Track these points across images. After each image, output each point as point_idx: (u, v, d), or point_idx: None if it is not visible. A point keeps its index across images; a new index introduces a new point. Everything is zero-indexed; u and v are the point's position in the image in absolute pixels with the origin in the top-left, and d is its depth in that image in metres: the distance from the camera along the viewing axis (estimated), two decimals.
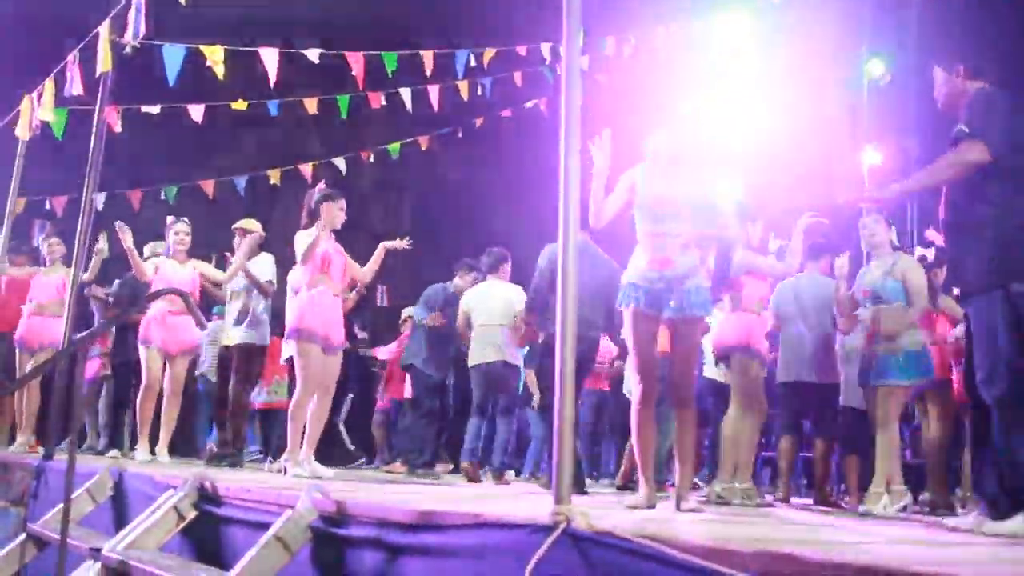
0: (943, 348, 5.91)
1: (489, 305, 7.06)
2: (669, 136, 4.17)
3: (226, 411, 6.99)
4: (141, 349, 6.71)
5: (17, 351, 7.46)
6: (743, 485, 5.15)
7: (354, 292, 7.46)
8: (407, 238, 6.41)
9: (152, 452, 6.60)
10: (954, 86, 3.78)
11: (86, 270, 7.54)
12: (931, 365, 5.19)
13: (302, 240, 5.60)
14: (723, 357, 5.50)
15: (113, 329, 8.05)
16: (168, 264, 6.77)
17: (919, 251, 6.27)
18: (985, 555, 2.41)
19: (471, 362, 7.06)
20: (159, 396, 6.72)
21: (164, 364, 6.70)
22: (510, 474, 7.35)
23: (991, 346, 3.35)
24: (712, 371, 6.41)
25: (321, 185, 5.88)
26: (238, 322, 6.89)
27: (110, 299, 8.18)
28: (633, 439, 4.03)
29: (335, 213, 5.65)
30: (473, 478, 6.62)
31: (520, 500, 4.17)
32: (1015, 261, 3.38)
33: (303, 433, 5.47)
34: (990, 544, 2.88)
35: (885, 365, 5.03)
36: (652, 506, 3.84)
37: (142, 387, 6.71)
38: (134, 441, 7.21)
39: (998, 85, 3.67)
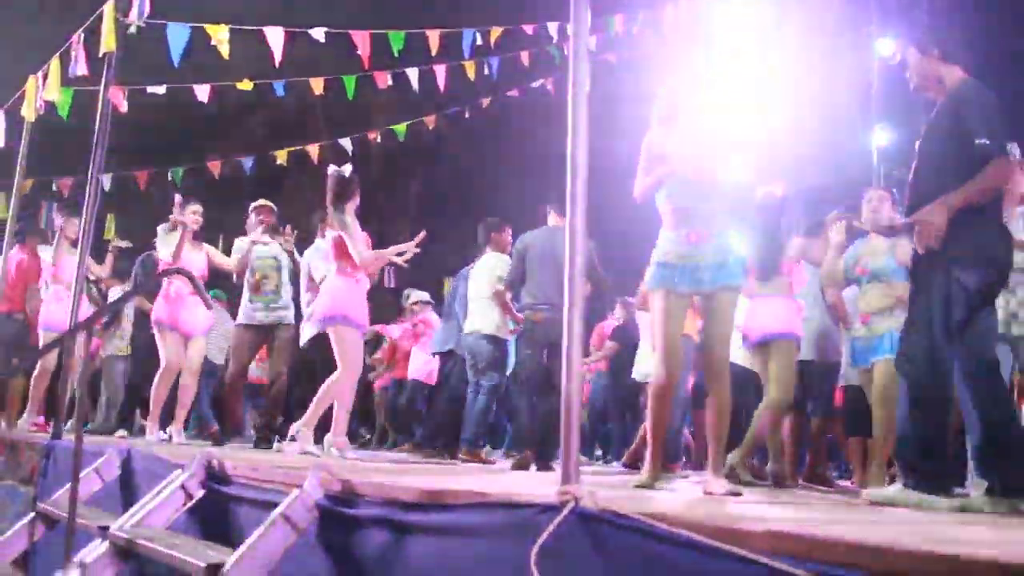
0: None
1: (478, 277, 7.00)
2: (686, 92, 4.02)
3: (235, 393, 7.02)
4: (157, 330, 6.67)
5: (43, 334, 7.41)
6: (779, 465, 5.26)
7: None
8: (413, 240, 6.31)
9: (164, 431, 6.61)
10: (927, 68, 3.82)
11: (98, 260, 7.57)
12: None
13: (351, 228, 5.59)
14: (762, 343, 5.38)
15: (132, 311, 8.06)
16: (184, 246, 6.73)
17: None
18: (988, 534, 2.39)
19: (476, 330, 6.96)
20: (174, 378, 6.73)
21: (183, 345, 6.70)
22: (487, 450, 7.38)
23: (921, 327, 3.52)
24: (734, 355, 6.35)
25: (348, 167, 5.81)
26: (272, 302, 6.86)
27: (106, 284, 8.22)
28: (649, 420, 3.95)
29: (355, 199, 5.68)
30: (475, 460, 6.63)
31: (527, 480, 4.17)
32: (961, 245, 3.47)
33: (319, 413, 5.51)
34: (987, 524, 2.87)
35: (880, 342, 4.98)
36: (654, 487, 3.77)
37: (162, 368, 6.65)
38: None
39: (971, 72, 3.75)
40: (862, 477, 5.78)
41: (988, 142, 3.45)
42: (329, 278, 5.68)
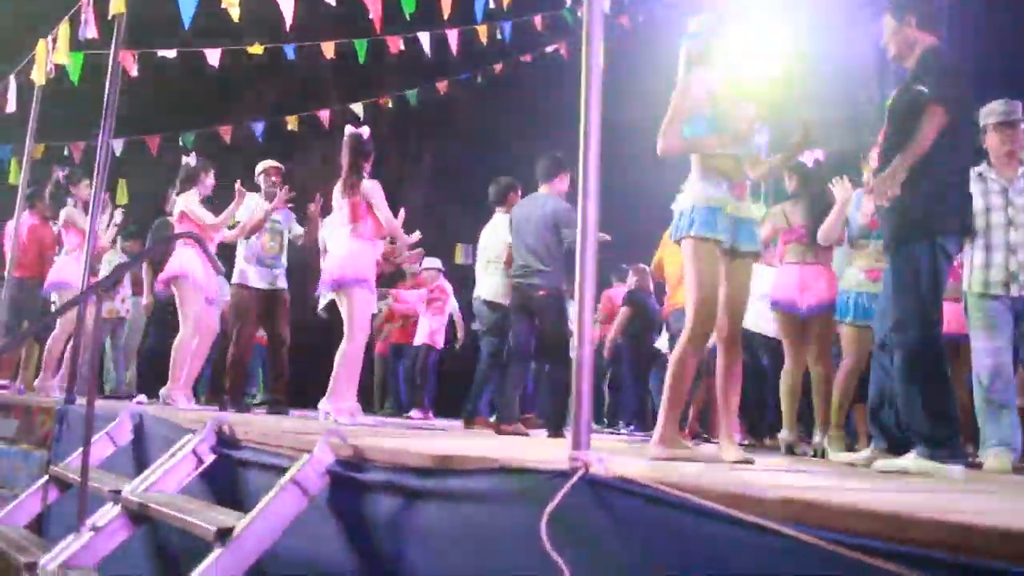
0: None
1: (485, 240, 6.87)
2: (721, 30, 3.77)
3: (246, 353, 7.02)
4: (188, 291, 6.41)
5: (58, 295, 7.39)
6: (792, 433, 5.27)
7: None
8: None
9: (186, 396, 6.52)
10: (904, 36, 3.79)
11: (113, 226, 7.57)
12: None
13: (379, 191, 5.58)
14: (814, 312, 5.34)
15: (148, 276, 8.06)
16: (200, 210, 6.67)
17: None
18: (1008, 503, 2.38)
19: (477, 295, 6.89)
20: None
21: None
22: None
23: (911, 295, 3.54)
24: (762, 325, 6.32)
25: (364, 130, 5.79)
26: (275, 267, 6.86)
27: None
28: (669, 384, 3.56)
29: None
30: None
31: (538, 446, 4.16)
32: (943, 215, 3.57)
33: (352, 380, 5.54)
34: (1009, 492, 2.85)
35: (871, 306, 4.90)
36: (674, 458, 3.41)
37: (191, 328, 6.41)
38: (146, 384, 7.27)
39: (945, 42, 3.79)
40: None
41: (924, 89, 3.52)
42: (342, 241, 5.63)
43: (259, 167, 7.14)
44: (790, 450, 5.29)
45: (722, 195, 3.58)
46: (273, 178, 7.01)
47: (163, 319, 7.90)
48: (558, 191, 6.17)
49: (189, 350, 6.38)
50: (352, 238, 5.56)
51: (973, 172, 4.60)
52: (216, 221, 6.51)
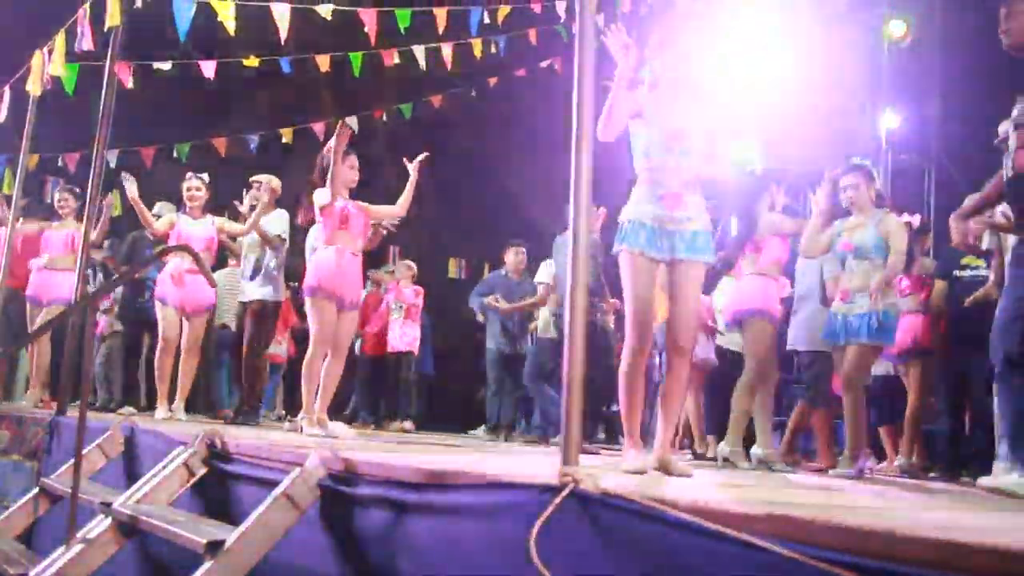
0: (927, 317, 5.90)
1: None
2: (673, 58, 3.80)
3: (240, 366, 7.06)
4: (158, 306, 6.72)
5: (28, 306, 7.49)
6: (767, 450, 5.15)
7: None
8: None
9: (170, 409, 6.63)
10: None
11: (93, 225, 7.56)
12: (893, 333, 5.03)
13: (319, 197, 5.57)
14: (737, 322, 5.39)
15: (120, 286, 8.08)
16: (183, 220, 6.76)
17: (905, 217, 6.18)
18: (997, 520, 2.39)
19: (544, 333, 7.44)
20: (176, 354, 6.75)
21: (181, 322, 6.71)
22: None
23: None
24: (722, 339, 6.40)
25: (331, 143, 5.83)
26: (251, 277, 6.92)
27: (107, 262, 8.23)
28: (621, 398, 3.64)
29: (346, 171, 5.60)
30: None
31: (528, 461, 4.17)
32: None
33: (316, 392, 5.47)
34: (997, 508, 2.86)
35: (860, 322, 4.88)
36: (643, 471, 3.38)
37: (159, 345, 6.71)
38: (151, 399, 7.27)
39: None
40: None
41: None
42: (319, 250, 5.66)
43: (252, 180, 7.21)
44: (766, 466, 5.29)
45: (652, 207, 3.64)
46: (255, 189, 7.10)
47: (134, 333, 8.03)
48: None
49: (163, 361, 6.68)
50: (323, 249, 5.57)
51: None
52: (244, 229, 6.91)
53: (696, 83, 3.83)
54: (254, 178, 7.13)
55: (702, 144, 3.72)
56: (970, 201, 4.59)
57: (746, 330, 5.32)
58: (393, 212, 5.90)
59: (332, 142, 5.51)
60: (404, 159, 5.84)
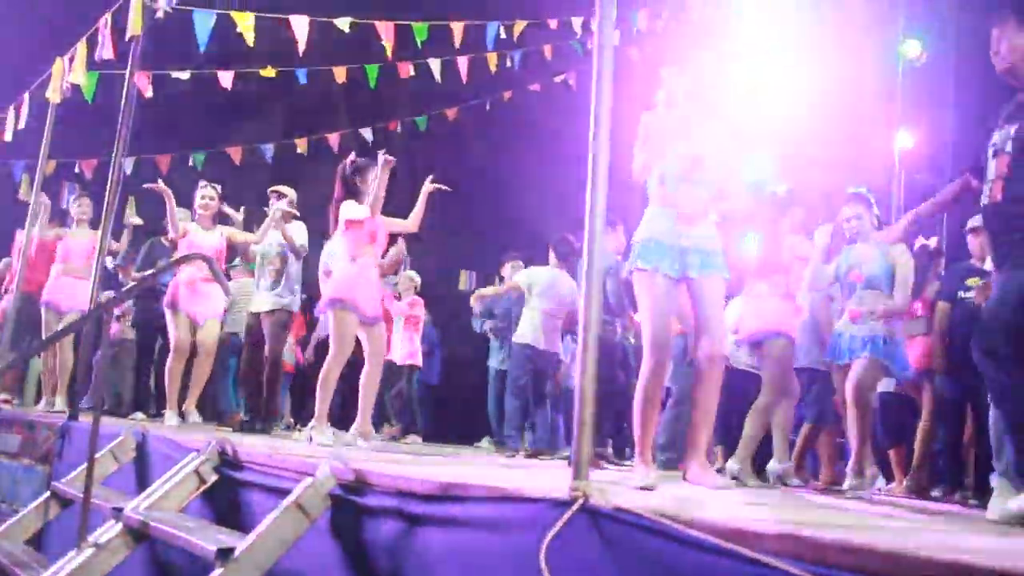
0: (930, 339, 5.87)
1: (556, 293, 7.17)
2: (689, 78, 3.87)
3: (253, 376, 7.04)
4: (168, 314, 6.73)
5: (44, 312, 7.52)
6: (783, 465, 5.15)
7: (395, 250, 7.07)
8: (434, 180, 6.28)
9: (180, 415, 6.65)
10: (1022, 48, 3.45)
11: (115, 239, 7.61)
12: (902, 358, 4.99)
13: (352, 210, 5.58)
14: (756, 343, 5.36)
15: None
16: (193, 228, 6.80)
17: (921, 240, 6.15)
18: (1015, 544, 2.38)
19: (518, 339, 7.22)
20: (186, 360, 6.77)
21: (193, 328, 6.73)
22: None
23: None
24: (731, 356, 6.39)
25: (352, 156, 5.86)
26: (271, 287, 6.91)
27: (119, 271, 8.27)
28: (636, 415, 3.67)
29: (371, 183, 5.66)
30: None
31: (540, 474, 4.17)
32: None
33: (329, 402, 5.52)
34: (1002, 531, 2.86)
35: (864, 340, 4.86)
36: (653, 487, 3.37)
37: (171, 352, 6.73)
38: (160, 404, 7.29)
39: None
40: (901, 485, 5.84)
41: None
42: (338, 266, 5.69)
43: (270, 190, 7.22)
44: (781, 482, 5.28)
45: (666, 227, 3.69)
46: (273, 199, 7.11)
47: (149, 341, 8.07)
48: (613, 248, 6.69)
49: (173, 367, 6.70)
50: (344, 262, 5.62)
51: None
52: (255, 239, 6.94)
53: (713, 107, 3.89)
54: (274, 188, 7.13)
55: (717, 174, 3.78)
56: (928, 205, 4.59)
57: (766, 351, 5.28)
58: (406, 227, 5.93)
59: (376, 169, 5.56)
60: (429, 178, 5.86)
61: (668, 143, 3.75)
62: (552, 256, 7.31)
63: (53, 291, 7.51)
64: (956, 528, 2.86)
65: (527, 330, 7.22)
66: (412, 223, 5.91)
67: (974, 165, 3.67)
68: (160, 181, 6.83)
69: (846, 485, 4.84)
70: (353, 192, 5.67)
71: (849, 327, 4.99)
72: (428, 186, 5.85)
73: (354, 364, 5.72)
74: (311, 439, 5.42)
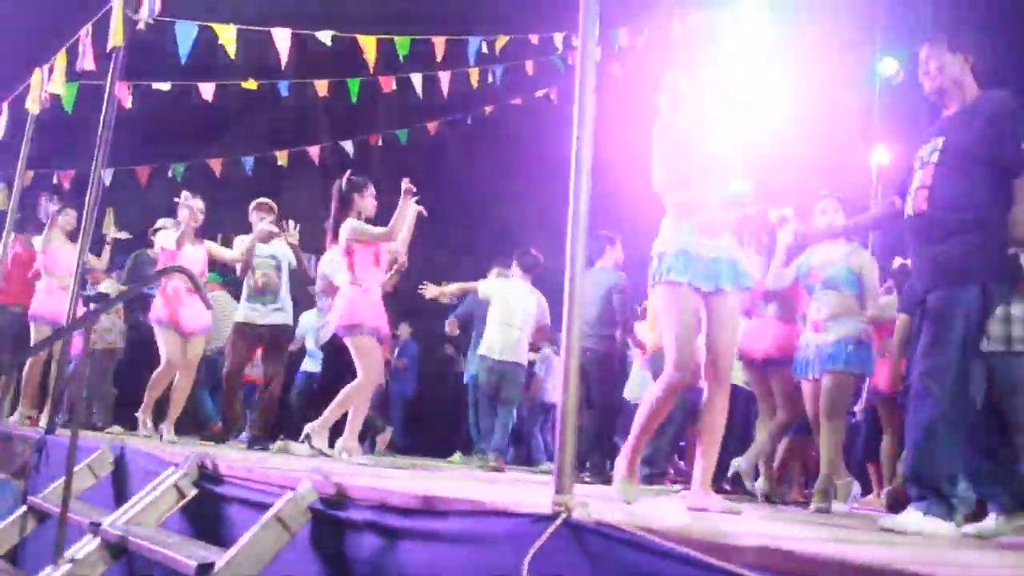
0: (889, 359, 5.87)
1: (516, 305, 7.20)
2: (689, 81, 3.74)
3: (233, 390, 7.01)
4: (157, 328, 6.61)
5: (34, 326, 7.38)
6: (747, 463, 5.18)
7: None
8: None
9: (155, 428, 6.59)
10: (954, 73, 3.58)
11: (96, 254, 7.56)
12: (871, 361, 5.03)
13: (362, 231, 5.56)
14: (761, 366, 5.37)
15: (122, 306, 8.06)
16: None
17: (898, 260, 6.20)
18: (992, 557, 2.41)
19: (482, 351, 7.23)
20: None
21: (183, 343, 6.68)
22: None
23: (953, 336, 3.32)
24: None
25: (349, 173, 5.82)
26: (271, 303, 6.89)
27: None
28: (640, 426, 3.54)
29: (369, 201, 5.67)
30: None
31: (522, 488, 4.17)
32: (995, 260, 3.39)
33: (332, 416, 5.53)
34: (993, 547, 2.89)
35: (836, 350, 4.85)
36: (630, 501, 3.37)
37: (162, 365, 6.60)
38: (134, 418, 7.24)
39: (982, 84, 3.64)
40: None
41: None
42: (342, 289, 5.68)
43: (252, 204, 7.16)
44: (767, 499, 5.30)
45: (692, 237, 3.53)
46: (262, 213, 7.03)
47: (135, 350, 7.99)
48: (613, 263, 6.96)
49: (160, 380, 6.62)
50: (349, 286, 5.59)
51: None
52: (234, 256, 6.89)
53: (719, 107, 3.78)
54: (262, 202, 7.09)
55: (735, 173, 3.66)
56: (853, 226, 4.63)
57: (775, 377, 5.29)
58: (383, 235, 5.67)
59: (370, 188, 5.69)
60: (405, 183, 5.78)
61: (689, 145, 3.61)
62: (516, 268, 7.34)
63: (44, 304, 7.36)
64: (930, 543, 2.88)
65: (484, 342, 7.27)
66: (391, 233, 5.66)
67: (900, 189, 3.76)
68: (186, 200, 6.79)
69: (812, 507, 4.72)
70: (349, 208, 5.64)
71: (814, 337, 5.00)
72: (410, 203, 5.67)
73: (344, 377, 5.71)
74: (311, 443, 5.39)
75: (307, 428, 5.54)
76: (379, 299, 5.66)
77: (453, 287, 7.82)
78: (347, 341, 5.52)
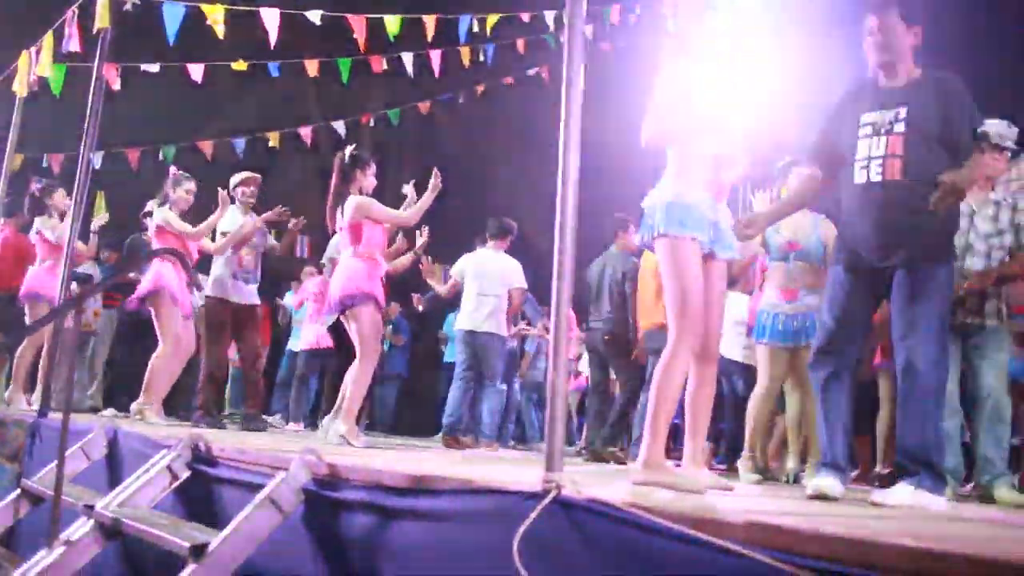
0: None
1: (485, 273, 7.17)
2: (698, 31, 3.57)
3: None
4: (168, 309, 6.45)
5: (30, 307, 7.29)
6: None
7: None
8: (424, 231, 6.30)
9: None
10: (906, 43, 3.60)
11: (83, 241, 7.51)
12: None
13: (377, 210, 5.58)
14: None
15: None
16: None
17: None
18: (984, 532, 2.43)
19: (458, 325, 7.20)
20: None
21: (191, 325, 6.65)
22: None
23: (935, 312, 3.38)
24: (736, 352, 6.40)
25: (352, 147, 5.75)
26: (253, 282, 6.88)
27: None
28: (657, 403, 3.23)
29: (371, 179, 5.67)
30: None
31: (514, 467, 4.19)
32: (952, 238, 3.62)
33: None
34: (986, 520, 2.91)
35: (811, 321, 4.88)
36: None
37: (171, 346, 6.47)
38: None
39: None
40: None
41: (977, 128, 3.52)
42: (344, 262, 5.62)
43: (235, 179, 7.07)
44: (762, 475, 5.33)
45: (700, 194, 3.32)
46: (252, 188, 6.98)
47: (131, 333, 7.92)
48: (625, 247, 7.04)
49: (167, 366, 6.44)
50: (353, 258, 5.55)
51: None
52: (196, 231, 6.58)
53: (728, 59, 3.62)
54: (247, 176, 7.04)
55: (741, 134, 3.49)
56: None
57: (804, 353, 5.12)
58: (401, 220, 5.86)
59: (425, 195, 5.73)
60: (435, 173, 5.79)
61: (697, 95, 3.38)
62: (487, 238, 7.32)
63: (45, 285, 7.21)
64: (924, 516, 2.90)
65: (463, 315, 7.26)
66: (413, 217, 5.81)
67: (820, 159, 3.83)
68: (176, 172, 6.72)
69: (805, 483, 4.54)
70: (350, 183, 5.60)
71: (780, 306, 5.02)
72: (436, 182, 5.74)
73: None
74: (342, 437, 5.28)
75: (330, 425, 5.49)
76: (381, 275, 5.62)
77: (443, 289, 7.83)
78: (348, 313, 5.44)
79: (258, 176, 7.11)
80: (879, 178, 3.51)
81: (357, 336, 5.44)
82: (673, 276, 3.25)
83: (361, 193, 5.60)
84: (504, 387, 7.54)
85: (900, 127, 3.51)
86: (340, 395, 5.65)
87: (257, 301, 6.93)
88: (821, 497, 3.31)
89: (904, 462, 3.37)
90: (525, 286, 7.34)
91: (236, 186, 7.01)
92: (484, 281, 7.16)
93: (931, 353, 3.35)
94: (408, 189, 5.85)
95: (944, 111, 3.48)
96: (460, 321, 7.28)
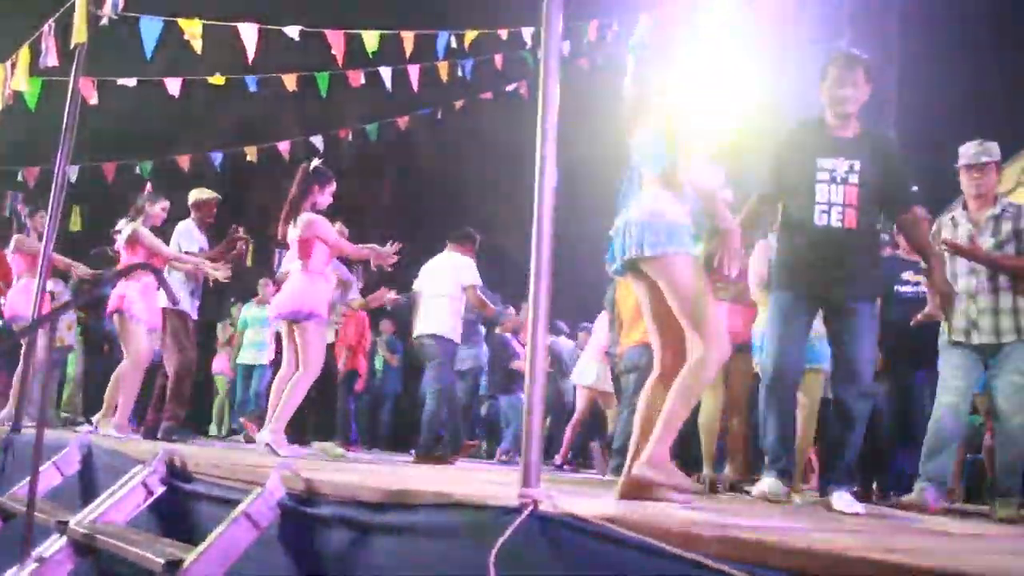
0: None
1: (434, 275, 7.00)
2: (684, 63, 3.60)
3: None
4: (132, 324, 6.42)
5: (16, 328, 7.24)
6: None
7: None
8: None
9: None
10: (863, 98, 4.08)
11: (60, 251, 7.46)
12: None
13: (329, 232, 5.64)
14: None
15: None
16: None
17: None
18: (958, 547, 2.45)
19: (413, 333, 7.05)
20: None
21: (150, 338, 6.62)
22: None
23: (869, 346, 3.98)
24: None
25: (318, 161, 5.79)
26: (195, 292, 6.92)
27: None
28: (678, 408, 3.21)
29: (326, 198, 5.70)
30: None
31: (490, 482, 4.19)
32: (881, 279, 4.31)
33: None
34: (960, 536, 2.94)
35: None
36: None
37: (134, 361, 6.41)
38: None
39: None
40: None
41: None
42: (294, 275, 5.67)
43: (193, 196, 7.07)
44: (712, 487, 5.26)
45: (695, 207, 3.32)
46: (210, 210, 7.03)
47: (94, 346, 7.89)
48: None
49: (131, 382, 6.42)
50: (302, 273, 5.60)
51: (946, 216, 4.77)
52: (168, 253, 6.63)
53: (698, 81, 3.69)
54: (205, 197, 7.09)
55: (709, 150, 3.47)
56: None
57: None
58: (344, 252, 6.02)
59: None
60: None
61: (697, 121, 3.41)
62: (447, 243, 7.16)
63: (16, 306, 7.22)
64: (891, 529, 2.93)
65: (417, 321, 6.97)
66: (354, 253, 6.02)
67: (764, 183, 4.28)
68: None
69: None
70: (306, 197, 5.63)
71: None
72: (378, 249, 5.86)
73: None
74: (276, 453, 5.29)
75: (260, 436, 5.53)
76: (329, 291, 5.76)
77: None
78: (296, 328, 5.53)
79: (216, 199, 7.09)
80: (839, 224, 3.95)
81: (302, 349, 5.52)
82: (693, 289, 3.23)
83: (314, 209, 5.64)
84: (442, 387, 6.84)
85: (855, 178, 3.96)
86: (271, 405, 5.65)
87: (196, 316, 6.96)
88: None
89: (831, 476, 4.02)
90: (478, 283, 6.94)
91: (193, 205, 7.05)
92: (434, 282, 6.91)
93: (870, 374, 4.01)
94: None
95: (884, 167, 3.98)
96: (415, 328, 7.10)
